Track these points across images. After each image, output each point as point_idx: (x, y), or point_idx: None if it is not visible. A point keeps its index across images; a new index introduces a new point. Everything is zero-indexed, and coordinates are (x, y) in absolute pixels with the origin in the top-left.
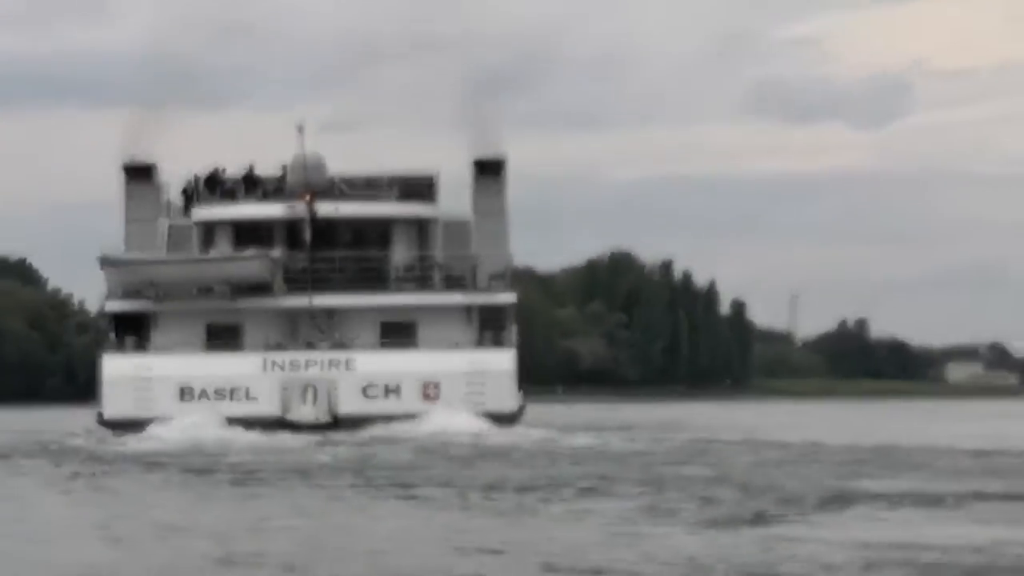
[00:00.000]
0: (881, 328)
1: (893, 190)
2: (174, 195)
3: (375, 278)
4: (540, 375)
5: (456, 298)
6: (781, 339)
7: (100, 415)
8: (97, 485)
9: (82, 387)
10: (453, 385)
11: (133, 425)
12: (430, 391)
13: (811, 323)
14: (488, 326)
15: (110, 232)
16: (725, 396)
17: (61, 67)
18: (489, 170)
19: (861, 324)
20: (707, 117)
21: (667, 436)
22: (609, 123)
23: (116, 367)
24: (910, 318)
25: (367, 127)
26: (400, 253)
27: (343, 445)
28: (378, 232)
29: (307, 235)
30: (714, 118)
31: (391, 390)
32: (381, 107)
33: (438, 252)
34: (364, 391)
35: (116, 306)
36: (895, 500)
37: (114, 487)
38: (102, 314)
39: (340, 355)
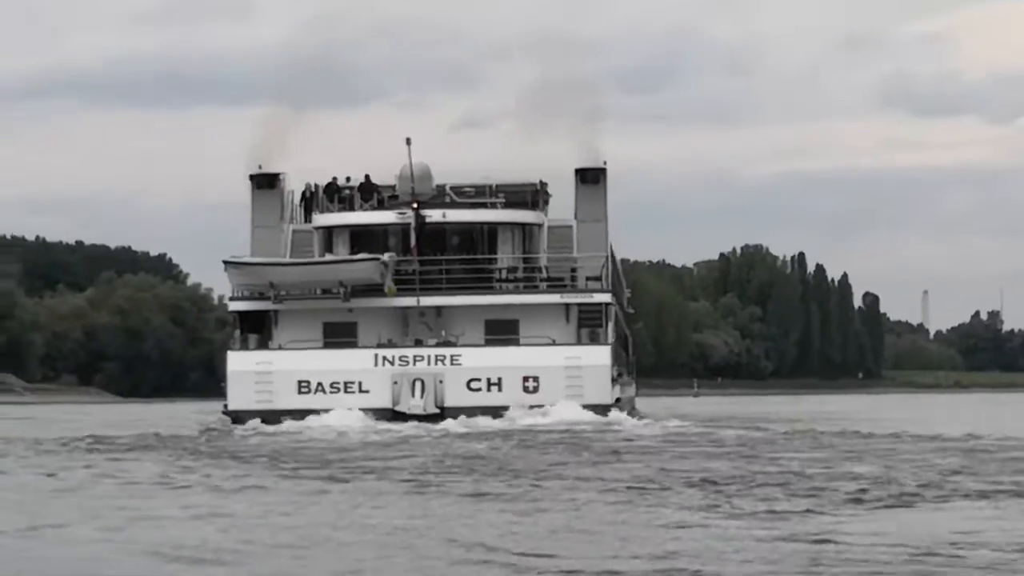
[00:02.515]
0: (1014, 321)
1: (1021, 184)
2: (297, 199)
3: (481, 279)
4: (673, 369)
5: (555, 297)
6: (914, 332)
7: (225, 407)
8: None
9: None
10: (551, 379)
11: (254, 416)
12: (529, 384)
13: (944, 316)
14: (585, 324)
15: (244, 230)
16: (857, 388)
17: (203, 66)
18: (590, 178)
19: (994, 316)
20: (836, 114)
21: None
22: (741, 121)
23: (239, 362)
24: None
25: (497, 124)
26: (505, 256)
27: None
28: (484, 237)
29: (413, 240)
30: (843, 115)
31: (493, 383)
32: (510, 105)
33: (543, 255)
34: (468, 384)
35: (240, 306)
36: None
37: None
38: (228, 313)
39: (446, 351)
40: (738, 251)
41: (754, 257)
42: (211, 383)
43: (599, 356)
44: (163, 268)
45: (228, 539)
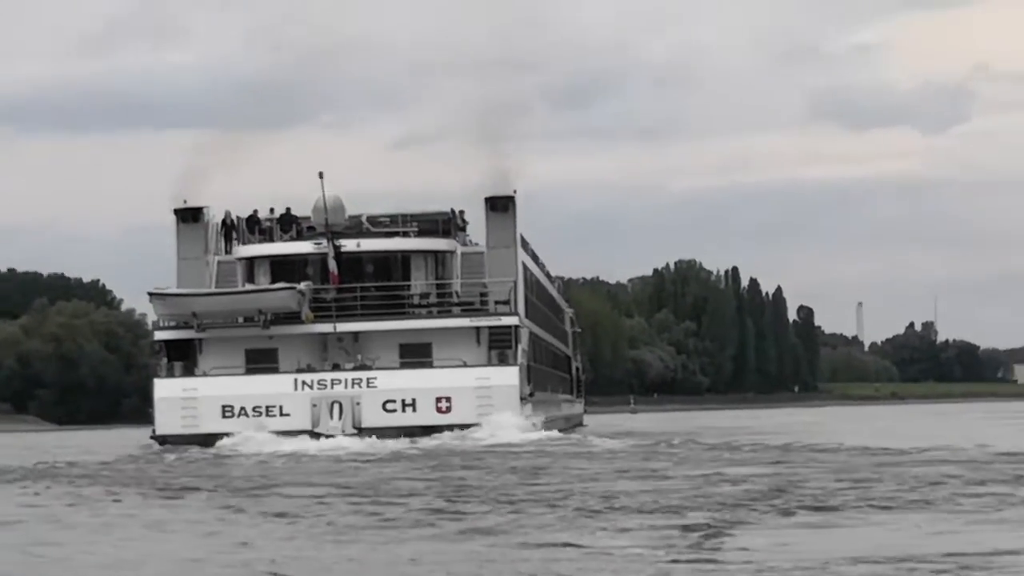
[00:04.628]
0: (948, 331)
1: (956, 194)
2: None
3: (395, 305)
4: (610, 386)
5: (464, 321)
6: (848, 344)
7: (153, 431)
8: None
9: None
10: (462, 399)
11: (181, 440)
12: (442, 404)
13: (878, 328)
14: (496, 346)
15: (172, 258)
16: (794, 402)
17: (135, 90)
18: (499, 206)
19: (928, 327)
20: (769, 126)
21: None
22: (673, 135)
23: (166, 389)
24: (976, 321)
25: (434, 142)
26: (418, 282)
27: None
28: (399, 264)
29: (333, 268)
30: (776, 127)
31: (408, 404)
32: (447, 123)
33: (456, 281)
34: (384, 405)
35: (166, 335)
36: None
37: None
38: (153, 342)
39: (362, 374)
40: (671, 266)
41: (687, 272)
42: (148, 409)
43: (507, 377)
44: (97, 294)
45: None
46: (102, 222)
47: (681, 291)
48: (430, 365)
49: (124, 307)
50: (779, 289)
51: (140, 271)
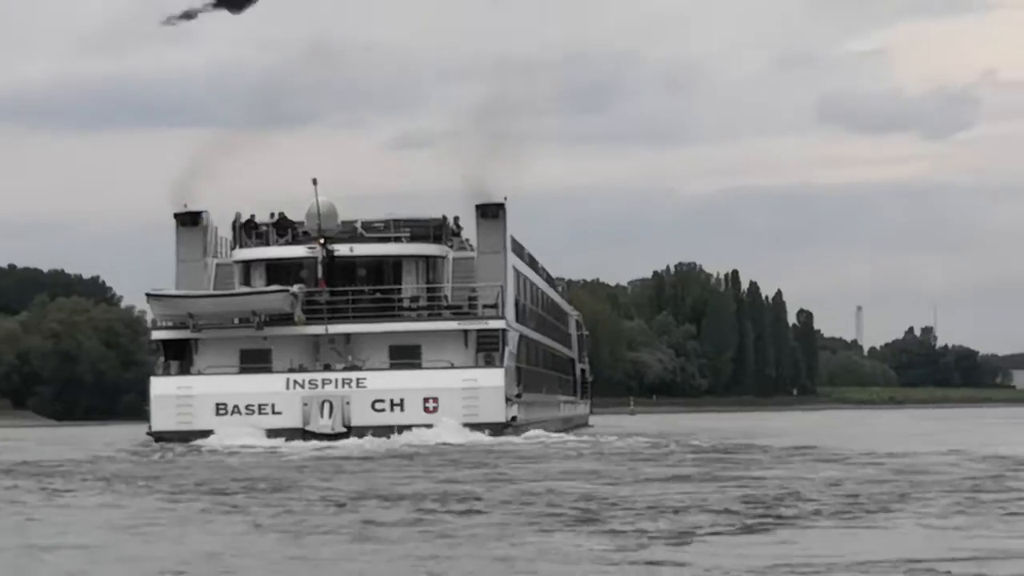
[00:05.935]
0: (947, 337)
1: (958, 200)
2: (224, 231)
3: (386, 308)
4: (609, 387)
5: (452, 324)
6: (848, 348)
7: (149, 428)
8: None
9: None
10: (450, 399)
11: (176, 437)
12: (429, 404)
13: (878, 332)
14: (483, 348)
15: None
16: (792, 405)
17: (141, 89)
18: (489, 213)
19: (927, 332)
20: (774, 131)
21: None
22: (677, 139)
23: (161, 387)
24: (976, 326)
25: (435, 145)
26: (409, 286)
27: None
28: (391, 268)
29: (320, 272)
30: (779, 132)
31: (396, 404)
32: (448, 127)
33: (447, 285)
34: (372, 405)
35: (163, 335)
36: None
37: None
38: (151, 341)
39: (352, 374)
40: (672, 269)
41: (688, 275)
42: (145, 406)
43: (493, 378)
44: (97, 291)
45: None
46: (106, 220)
47: (681, 294)
48: (419, 366)
49: (124, 304)
50: (779, 293)
51: (142, 269)
